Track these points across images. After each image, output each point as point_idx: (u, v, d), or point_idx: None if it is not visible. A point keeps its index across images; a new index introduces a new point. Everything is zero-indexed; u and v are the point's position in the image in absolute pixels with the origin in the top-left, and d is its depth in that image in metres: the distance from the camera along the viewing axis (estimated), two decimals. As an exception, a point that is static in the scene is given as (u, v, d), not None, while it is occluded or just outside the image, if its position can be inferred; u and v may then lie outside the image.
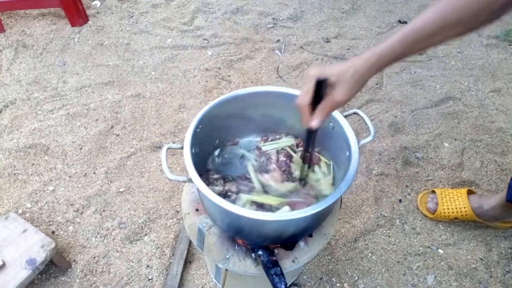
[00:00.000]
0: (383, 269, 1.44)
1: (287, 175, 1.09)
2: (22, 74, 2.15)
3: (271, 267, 0.95)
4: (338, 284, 1.40)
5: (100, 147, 1.80)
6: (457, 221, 1.55)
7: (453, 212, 1.51)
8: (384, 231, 1.54)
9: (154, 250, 1.47)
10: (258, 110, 1.13)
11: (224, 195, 1.00)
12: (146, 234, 1.52)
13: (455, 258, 1.47)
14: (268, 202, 0.98)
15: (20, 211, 1.56)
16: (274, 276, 0.94)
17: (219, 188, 1.01)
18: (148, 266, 1.43)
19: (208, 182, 1.03)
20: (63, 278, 1.39)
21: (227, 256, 0.99)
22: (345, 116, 1.01)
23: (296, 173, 1.08)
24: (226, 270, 1.04)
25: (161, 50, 2.35)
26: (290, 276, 1.34)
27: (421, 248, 1.49)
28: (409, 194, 1.67)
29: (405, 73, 2.25)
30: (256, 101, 1.10)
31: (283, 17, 2.63)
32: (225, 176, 1.06)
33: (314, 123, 0.80)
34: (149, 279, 1.40)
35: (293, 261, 0.99)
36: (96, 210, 1.58)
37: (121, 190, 1.65)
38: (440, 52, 2.38)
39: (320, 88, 0.77)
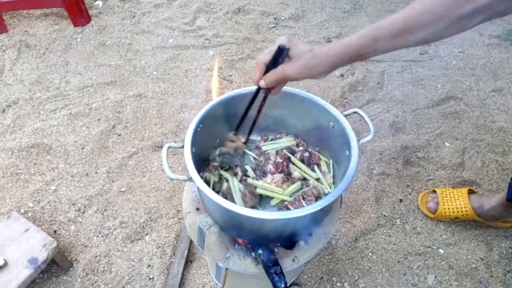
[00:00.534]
0: (384, 269, 1.44)
1: (286, 175, 1.09)
2: (25, 74, 2.17)
3: (271, 266, 0.95)
4: (338, 284, 1.41)
5: (102, 147, 1.81)
6: (458, 221, 1.55)
7: (453, 212, 1.51)
8: (385, 231, 1.55)
9: (155, 250, 1.48)
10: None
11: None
12: (147, 234, 1.52)
13: (456, 257, 1.47)
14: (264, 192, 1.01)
15: (22, 211, 1.57)
16: (274, 275, 0.94)
17: (215, 178, 1.03)
18: (149, 266, 1.43)
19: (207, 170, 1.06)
20: (64, 277, 1.40)
21: (227, 255, 1.00)
22: (345, 115, 1.01)
23: (295, 174, 1.09)
24: (227, 269, 1.05)
25: (163, 50, 2.36)
26: (290, 275, 1.34)
27: (421, 247, 1.50)
28: (410, 193, 1.67)
29: (406, 72, 2.25)
30: (257, 100, 1.10)
31: (284, 17, 2.64)
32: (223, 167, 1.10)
33: (261, 82, 0.83)
34: (150, 278, 1.40)
35: (293, 260, 1.00)
36: (97, 209, 1.59)
37: (122, 189, 1.65)
38: (441, 52, 2.38)
39: (280, 55, 0.79)
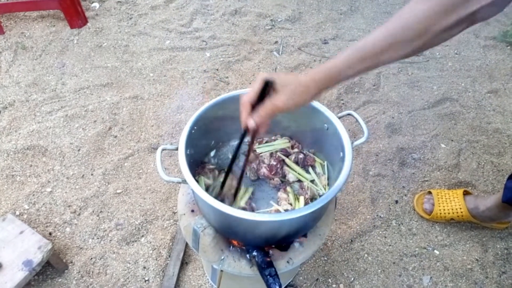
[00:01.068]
0: (379, 270, 1.44)
1: (280, 178, 1.09)
2: (21, 76, 2.16)
3: (266, 268, 0.95)
4: (334, 285, 1.41)
5: (98, 149, 1.81)
6: (453, 222, 1.56)
7: (449, 213, 1.51)
8: (380, 232, 1.55)
9: (151, 252, 1.47)
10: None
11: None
12: (143, 236, 1.52)
13: (451, 259, 1.47)
14: None
15: (17, 213, 1.56)
16: (269, 276, 0.94)
17: (209, 181, 1.02)
18: (144, 268, 1.43)
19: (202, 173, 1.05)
20: (59, 280, 1.40)
21: (222, 257, 1.00)
22: (340, 117, 1.01)
23: (290, 176, 1.09)
24: (221, 271, 1.05)
25: (159, 52, 2.36)
26: (286, 277, 1.34)
27: (417, 249, 1.50)
28: (405, 195, 1.67)
29: (402, 74, 2.25)
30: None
31: (281, 19, 2.64)
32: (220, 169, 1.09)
33: (250, 122, 0.78)
34: (145, 280, 1.40)
35: (288, 261, 1.00)
36: (93, 211, 1.58)
37: (118, 191, 1.65)
38: (437, 53, 2.39)
39: (265, 90, 0.77)
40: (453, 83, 2.19)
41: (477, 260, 1.47)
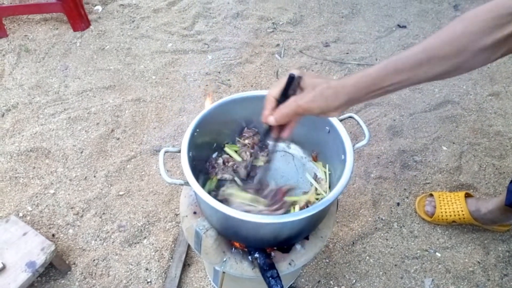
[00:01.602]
0: (381, 272, 1.44)
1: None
2: (24, 79, 2.18)
3: (268, 270, 0.96)
4: (336, 287, 1.41)
5: (101, 151, 1.82)
6: (455, 225, 1.56)
7: (450, 216, 1.52)
8: (382, 234, 1.55)
9: (153, 253, 1.48)
10: (257, 114, 1.13)
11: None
12: (145, 237, 1.53)
13: (453, 261, 1.47)
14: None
15: (20, 214, 1.57)
16: (271, 278, 0.95)
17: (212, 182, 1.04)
18: (147, 269, 1.44)
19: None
20: (62, 281, 1.41)
21: (224, 259, 1.00)
22: (341, 120, 1.02)
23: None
24: (223, 272, 1.05)
25: (161, 55, 2.37)
26: (288, 279, 1.34)
27: (418, 251, 1.50)
28: (407, 197, 1.67)
29: (404, 77, 2.26)
30: (255, 105, 1.11)
31: (282, 22, 2.65)
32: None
33: (270, 119, 0.76)
34: (148, 282, 1.41)
35: (289, 263, 1.00)
36: (96, 213, 1.59)
37: (121, 193, 1.66)
38: (439, 56, 2.39)
39: (290, 86, 0.74)
40: (454, 85, 2.20)
41: (479, 262, 1.47)
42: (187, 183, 0.86)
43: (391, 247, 1.51)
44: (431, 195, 1.62)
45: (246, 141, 1.17)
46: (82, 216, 1.58)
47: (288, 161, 1.17)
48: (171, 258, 1.46)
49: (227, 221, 0.90)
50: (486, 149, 1.85)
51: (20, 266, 1.25)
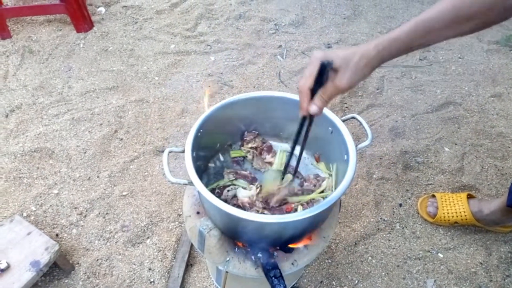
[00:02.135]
0: (383, 273, 1.45)
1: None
2: (28, 79, 2.19)
3: (271, 270, 0.96)
4: (338, 288, 1.41)
5: (104, 151, 1.83)
6: (457, 225, 1.56)
7: (453, 217, 1.52)
8: (384, 235, 1.55)
9: (156, 253, 1.49)
10: (259, 115, 1.15)
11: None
12: (148, 237, 1.54)
13: (455, 262, 1.47)
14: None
15: (25, 214, 1.58)
16: (273, 278, 0.95)
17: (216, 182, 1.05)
18: (150, 269, 1.45)
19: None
20: (66, 280, 1.41)
21: (227, 259, 1.01)
22: (344, 121, 1.03)
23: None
24: (227, 272, 1.06)
25: (164, 56, 2.38)
26: (290, 279, 1.35)
27: (421, 252, 1.50)
28: (409, 198, 1.68)
29: (405, 78, 2.26)
30: (257, 106, 1.12)
31: (285, 23, 2.66)
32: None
33: (313, 108, 0.76)
34: (151, 282, 1.41)
35: (292, 263, 1.01)
36: (99, 213, 1.60)
37: (124, 193, 1.67)
38: (440, 58, 2.40)
39: (323, 73, 0.74)
40: (456, 87, 2.20)
41: (481, 263, 1.47)
42: (191, 183, 0.87)
43: (393, 248, 1.52)
44: (433, 196, 1.62)
45: (249, 145, 1.17)
46: (85, 216, 1.59)
47: (291, 161, 1.17)
48: (174, 258, 1.47)
49: (230, 221, 0.91)
50: (488, 150, 1.85)
51: (25, 265, 1.26)
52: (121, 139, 1.89)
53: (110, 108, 2.04)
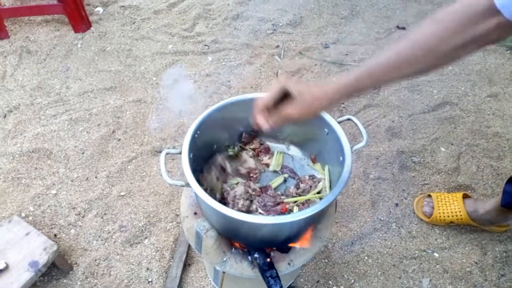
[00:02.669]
0: (379, 272, 1.46)
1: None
2: (26, 80, 2.19)
3: (267, 270, 0.97)
4: (334, 287, 1.42)
5: (102, 152, 1.83)
6: (453, 225, 1.58)
7: (448, 216, 1.53)
8: (381, 235, 1.57)
9: (154, 253, 1.50)
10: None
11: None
12: (146, 237, 1.55)
13: (450, 261, 1.49)
14: None
15: (23, 215, 1.59)
16: (270, 278, 0.96)
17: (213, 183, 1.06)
18: (148, 269, 1.45)
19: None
20: (64, 281, 1.42)
21: (224, 259, 1.02)
22: (339, 122, 1.03)
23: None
24: (223, 272, 1.07)
25: (162, 56, 2.39)
26: (287, 279, 1.36)
27: (416, 251, 1.52)
28: (405, 198, 1.69)
29: (402, 78, 2.27)
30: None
31: (282, 23, 2.67)
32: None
33: (266, 126, 0.87)
34: (149, 282, 1.42)
35: (288, 263, 1.02)
36: (97, 213, 1.61)
37: (122, 194, 1.68)
38: (437, 58, 2.41)
39: (283, 97, 0.84)
40: (453, 87, 2.21)
41: (476, 263, 1.48)
42: (188, 185, 0.88)
43: (390, 248, 1.53)
44: (429, 196, 1.64)
45: (247, 147, 1.18)
46: (83, 216, 1.60)
47: (288, 162, 1.19)
48: (172, 258, 1.48)
49: (227, 222, 0.92)
50: (484, 150, 1.87)
51: (23, 265, 1.26)
52: (119, 140, 1.90)
53: (108, 108, 2.04)
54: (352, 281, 1.44)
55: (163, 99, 2.11)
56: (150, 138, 1.91)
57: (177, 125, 1.97)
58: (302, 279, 1.44)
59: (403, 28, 2.63)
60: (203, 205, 0.95)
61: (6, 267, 1.25)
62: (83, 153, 1.82)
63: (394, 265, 1.48)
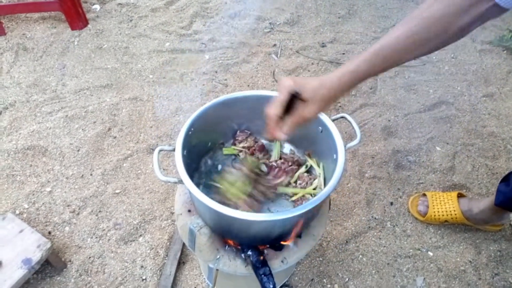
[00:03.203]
0: (373, 271, 1.46)
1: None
2: (22, 77, 2.19)
3: (260, 267, 0.97)
4: (329, 286, 1.43)
5: (97, 149, 1.83)
6: (447, 224, 1.58)
7: (443, 215, 1.53)
8: (375, 233, 1.57)
9: (149, 251, 1.49)
10: (252, 114, 1.15)
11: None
12: (140, 235, 1.54)
13: (445, 260, 1.49)
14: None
15: (17, 212, 1.58)
16: (263, 276, 0.96)
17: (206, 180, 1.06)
18: (142, 267, 1.45)
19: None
20: (58, 278, 1.42)
21: (218, 256, 1.02)
22: (333, 120, 1.03)
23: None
24: (217, 270, 1.07)
25: (159, 54, 2.39)
26: (281, 276, 1.36)
27: (411, 250, 1.52)
28: (400, 197, 1.69)
29: (399, 77, 2.28)
30: (250, 105, 1.13)
31: (279, 22, 2.67)
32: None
33: (282, 136, 0.82)
34: (143, 279, 1.42)
35: (282, 261, 1.02)
36: (92, 211, 1.60)
37: (117, 191, 1.67)
38: (434, 57, 2.41)
39: (292, 102, 0.79)
40: (449, 86, 2.22)
41: (470, 261, 1.49)
42: (181, 181, 0.88)
43: (384, 246, 1.53)
44: (424, 195, 1.64)
45: (241, 145, 1.18)
46: (78, 214, 1.60)
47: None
48: (166, 256, 1.48)
49: (219, 219, 0.92)
50: (479, 149, 1.87)
51: (16, 263, 1.26)
52: (115, 137, 1.89)
53: (104, 106, 2.04)
54: (347, 279, 1.44)
55: (159, 96, 2.11)
56: (145, 136, 1.90)
57: (173, 123, 1.97)
58: (296, 277, 1.44)
59: (400, 28, 2.63)
60: (196, 202, 0.95)
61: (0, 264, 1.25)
62: (78, 150, 1.82)
63: (388, 264, 1.48)
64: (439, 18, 0.69)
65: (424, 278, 1.44)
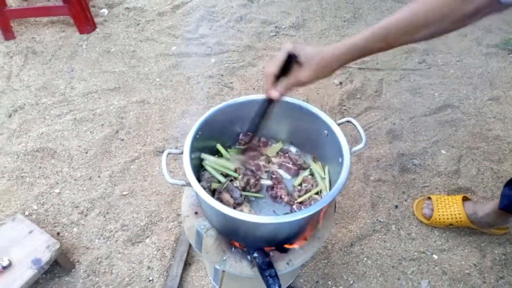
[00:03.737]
0: (378, 274, 1.47)
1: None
2: (31, 80, 2.22)
3: (266, 269, 0.98)
4: (333, 288, 1.44)
5: (105, 151, 1.86)
6: (452, 227, 1.58)
7: (448, 218, 1.54)
8: (380, 236, 1.58)
9: (155, 252, 1.51)
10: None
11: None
12: (147, 237, 1.56)
13: (449, 263, 1.49)
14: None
15: (26, 213, 1.61)
16: (269, 277, 0.97)
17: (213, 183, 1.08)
18: (149, 268, 1.47)
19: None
20: (66, 278, 1.44)
21: (224, 258, 1.03)
22: (339, 124, 1.05)
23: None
24: (223, 271, 1.08)
25: (166, 57, 2.41)
26: (286, 278, 1.37)
27: (416, 253, 1.52)
28: (405, 200, 1.70)
29: (404, 81, 2.28)
30: (255, 108, 1.14)
31: (285, 26, 2.69)
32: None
33: (275, 94, 0.85)
34: (149, 280, 1.44)
35: (287, 263, 1.03)
36: (100, 212, 1.63)
37: (124, 193, 1.70)
38: (439, 61, 2.42)
39: (289, 63, 0.83)
40: (454, 90, 2.22)
41: (475, 265, 1.49)
42: (188, 184, 0.90)
43: (389, 249, 1.54)
44: (429, 198, 1.64)
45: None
46: (86, 215, 1.62)
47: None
48: (173, 257, 1.50)
49: (226, 221, 0.93)
50: (484, 153, 1.87)
51: (26, 263, 1.28)
52: (122, 140, 1.92)
53: (112, 109, 2.07)
54: (351, 282, 1.45)
55: (166, 100, 2.13)
56: (152, 139, 1.93)
57: (180, 126, 1.99)
58: (301, 280, 1.45)
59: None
60: (204, 204, 0.97)
61: (9, 265, 1.27)
62: (86, 152, 1.85)
63: (393, 267, 1.49)
64: (443, 3, 0.69)
65: (429, 281, 1.44)
